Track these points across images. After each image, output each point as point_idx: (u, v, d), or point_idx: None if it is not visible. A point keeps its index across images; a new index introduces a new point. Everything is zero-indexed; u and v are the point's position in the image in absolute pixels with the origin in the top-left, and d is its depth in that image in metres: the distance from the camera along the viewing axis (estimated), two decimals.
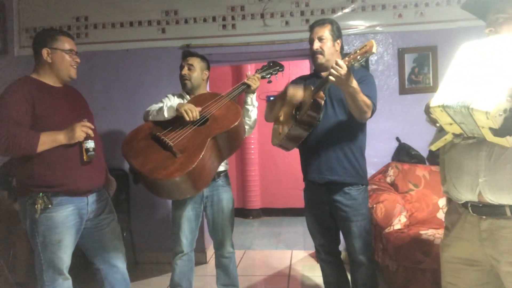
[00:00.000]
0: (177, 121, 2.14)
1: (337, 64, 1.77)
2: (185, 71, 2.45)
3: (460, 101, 1.20)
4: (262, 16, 3.47)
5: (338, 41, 2.15)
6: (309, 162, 2.19)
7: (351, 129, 2.11)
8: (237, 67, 5.25)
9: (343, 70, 1.76)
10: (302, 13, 3.44)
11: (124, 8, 3.57)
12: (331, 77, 1.79)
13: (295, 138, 2.11)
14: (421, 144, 3.25)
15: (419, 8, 3.33)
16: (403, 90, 3.34)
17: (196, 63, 2.46)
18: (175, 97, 2.48)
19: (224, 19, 3.51)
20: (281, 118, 2.21)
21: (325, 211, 2.20)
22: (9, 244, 2.86)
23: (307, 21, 3.42)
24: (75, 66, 2.04)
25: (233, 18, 3.50)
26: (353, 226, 2.12)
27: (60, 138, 1.89)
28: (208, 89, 2.70)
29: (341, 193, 2.11)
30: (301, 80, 2.30)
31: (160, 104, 2.31)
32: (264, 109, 2.39)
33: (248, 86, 2.33)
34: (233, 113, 2.17)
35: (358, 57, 1.75)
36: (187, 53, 2.55)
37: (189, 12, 3.53)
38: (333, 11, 3.40)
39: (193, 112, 2.10)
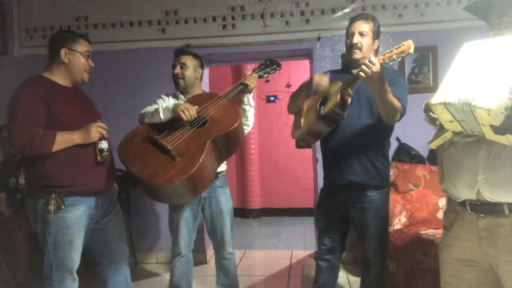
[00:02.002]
0: (174, 123, 2.10)
1: (370, 61, 1.70)
2: (178, 70, 2.40)
3: (462, 98, 1.21)
4: (262, 16, 3.47)
5: (377, 41, 2.08)
6: (330, 162, 2.14)
7: (376, 130, 2.04)
8: (237, 67, 5.25)
9: (376, 68, 1.68)
10: (302, 13, 3.44)
11: (124, 8, 3.57)
12: (361, 73, 1.72)
13: (316, 133, 2.03)
14: (421, 144, 3.24)
15: (419, 8, 3.33)
16: None
17: (189, 61, 2.41)
18: (170, 97, 2.43)
19: (224, 19, 3.51)
20: (304, 111, 2.14)
21: (339, 213, 2.14)
22: (9, 245, 2.86)
23: (307, 21, 3.42)
24: (88, 70, 2.05)
25: (233, 18, 3.50)
26: (369, 229, 2.07)
27: (75, 138, 1.89)
28: (204, 89, 2.67)
29: (362, 196, 2.05)
30: (330, 74, 2.19)
31: (155, 106, 2.27)
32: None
33: (246, 86, 2.28)
34: (231, 114, 2.14)
35: (394, 56, 1.69)
36: (179, 51, 2.50)
37: (189, 12, 3.53)
38: (333, 11, 3.40)
39: (189, 111, 2.04)
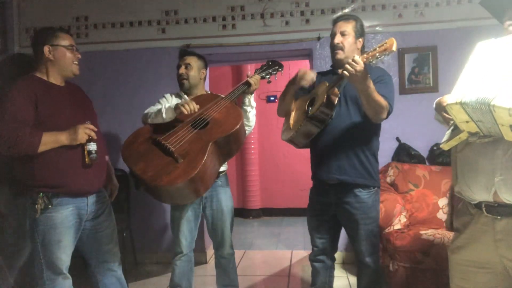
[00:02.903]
0: (177, 123, 2.12)
1: (353, 60, 1.71)
2: (182, 70, 2.43)
3: (480, 97, 1.18)
4: (262, 16, 3.47)
5: (361, 39, 2.08)
6: (319, 161, 2.13)
7: (364, 129, 2.04)
8: (237, 67, 5.25)
9: (359, 67, 1.70)
10: (302, 13, 3.44)
11: (124, 8, 3.58)
12: (345, 72, 1.73)
13: (305, 135, 2.04)
14: (421, 144, 3.25)
15: (419, 8, 3.33)
16: (403, 90, 3.34)
17: (193, 62, 2.44)
18: (173, 97, 2.45)
19: (224, 19, 3.51)
20: (293, 113, 2.16)
21: (329, 213, 2.14)
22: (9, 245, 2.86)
23: (307, 21, 3.42)
24: (76, 62, 2.04)
25: (233, 18, 3.50)
26: (360, 229, 2.07)
27: (62, 139, 1.88)
28: (207, 89, 2.68)
29: (351, 195, 2.05)
30: (318, 75, 2.23)
31: (158, 106, 2.28)
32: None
33: (249, 86, 2.30)
34: (233, 116, 2.14)
35: (377, 54, 1.70)
36: (184, 52, 2.53)
37: (189, 12, 3.53)
38: (333, 11, 3.40)
39: (190, 105, 2.06)
